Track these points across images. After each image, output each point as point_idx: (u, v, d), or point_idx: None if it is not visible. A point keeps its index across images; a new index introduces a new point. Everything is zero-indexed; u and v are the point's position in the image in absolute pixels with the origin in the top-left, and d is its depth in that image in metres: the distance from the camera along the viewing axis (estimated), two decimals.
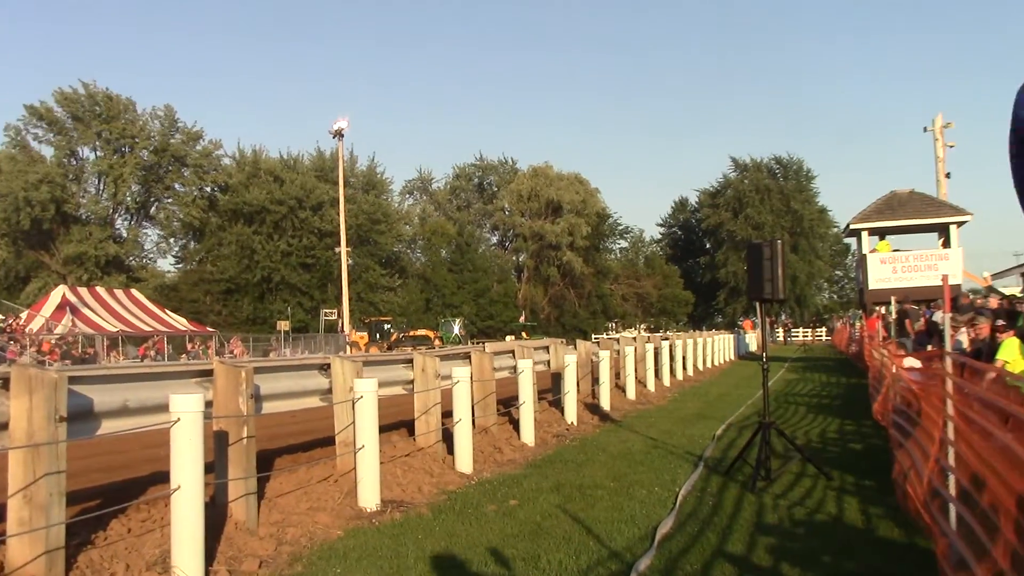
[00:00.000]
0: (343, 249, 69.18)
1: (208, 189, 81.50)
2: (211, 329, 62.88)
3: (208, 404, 8.32)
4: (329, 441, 11.36)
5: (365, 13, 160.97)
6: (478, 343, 57.34)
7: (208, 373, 8.62)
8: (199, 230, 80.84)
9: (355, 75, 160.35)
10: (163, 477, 7.64)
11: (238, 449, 8.25)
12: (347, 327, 67.24)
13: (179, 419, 7.03)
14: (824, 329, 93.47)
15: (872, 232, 36.25)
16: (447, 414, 12.46)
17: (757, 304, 12.51)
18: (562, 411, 17.55)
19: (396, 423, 14.22)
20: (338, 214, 71.63)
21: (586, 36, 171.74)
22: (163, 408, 7.52)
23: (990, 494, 5.69)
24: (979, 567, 5.55)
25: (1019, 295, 23.46)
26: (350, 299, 71.91)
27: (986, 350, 13.79)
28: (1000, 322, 13.89)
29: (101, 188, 76.65)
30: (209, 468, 7.71)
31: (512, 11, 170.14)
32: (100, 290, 57.80)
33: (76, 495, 8.53)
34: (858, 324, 47.23)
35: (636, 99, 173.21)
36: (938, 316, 20.11)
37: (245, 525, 8.26)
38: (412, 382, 12.40)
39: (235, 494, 8.29)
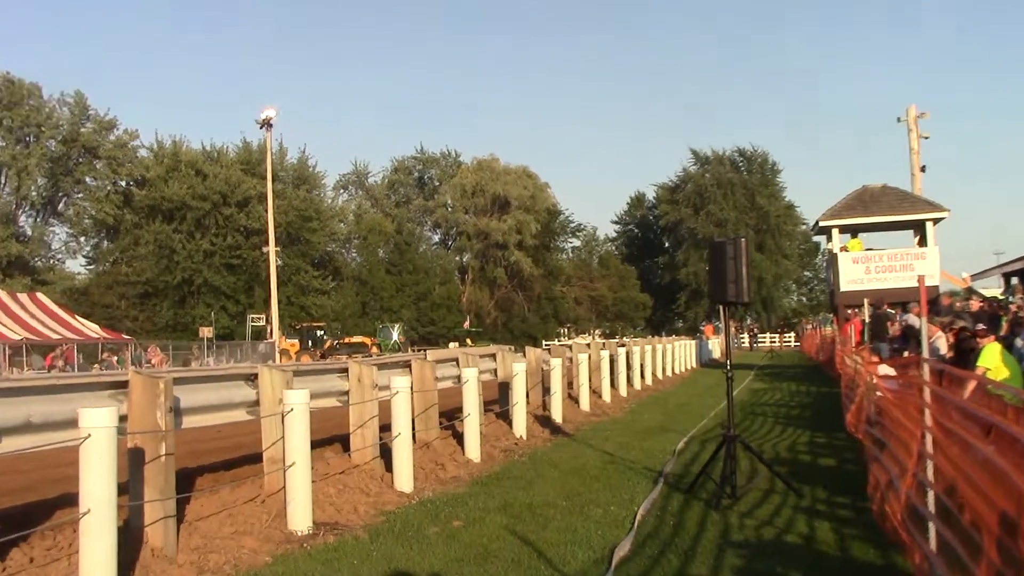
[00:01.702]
0: (271, 249, 68.56)
1: (123, 183, 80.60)
2: (126, 337, 62.15)
3: (122, 419, 8.20)
4: (256, 458, 11.25)
5: None
6: (419, 351, 57.23)
7: (123, 385, 8.50)
8: (113, 228, 79.93)
9: (284, 60, 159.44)
10: (72, 500, 7.51)
11: (155, 468, 8.14)
12: (276, 334, 66.72)
13: (90, 435, 6.92)
14: (793, 334, 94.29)
15: (843, 230, 36.57)
16: (385, 428, 12.40)
17: (720, 307, 12.57)
18: (510, 424, 17.54)
19: (329, 438, 14.14)
20: (266, 211, 71.02)
21: (533, 21, 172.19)
22: (72, 424, 7.40)
23: (971, 510, 5.73)
24: None
25: (1000, 297, 23.78)
26: (279, 303, 71.36)
27: (960, 356, 13.95)
28: (980, 326, 14.05)
29: (3, 181, 75.60)
30: (123, 489, 7.60)
31: None
32: (1, 294, 56.94)
33: None
34: (829, 329, 47.69)
35: (588, 88, 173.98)
36: (914, 320, 20.32)
37: (163, 551, 8.15)
38: (347, 393, 12.34)
39: (152, 517, 8.18)
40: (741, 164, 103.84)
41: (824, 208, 37.28)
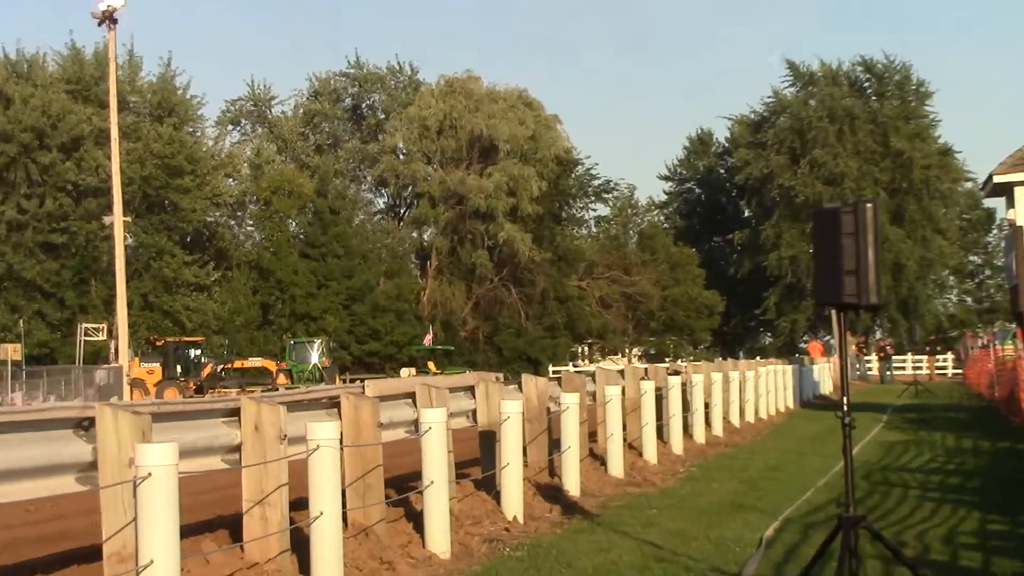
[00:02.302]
0: (118, 219, 68.48)
1: None
2: None
3: None
4: (93, 554, 11.25)
5: None
6: (353, 381, 56.95)
7: None
8: None
9: None
10: None
11: None
12: (125, 354, 66.76)
13: None
14: (950, 355, 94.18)
15: None
16: (299, 503, 12.39)
17: (832, 314, 12.63)
18: (497, 498, 17.52)
19: (211, 520, 14.13)
20: (109, 158, 71.05)
21: None
22: None
23: None
24: None
25: None
26: (131, 306, 71.40)
27: None
28: None
29: None
30: None
31: None
32: None
33: None
34: (1010, 347, 47.70)
35: None
36: None
37: None
38: (238, 449, 12.32)
39: None
40: (868, 84, 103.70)
41: (1004, 154, 37.28)
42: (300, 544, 12.33)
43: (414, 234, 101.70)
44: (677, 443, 27.88)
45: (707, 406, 32.28)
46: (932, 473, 23.99)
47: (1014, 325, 44.54)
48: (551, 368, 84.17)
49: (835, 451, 20.14)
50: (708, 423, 32.09)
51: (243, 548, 12.27)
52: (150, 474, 9.68)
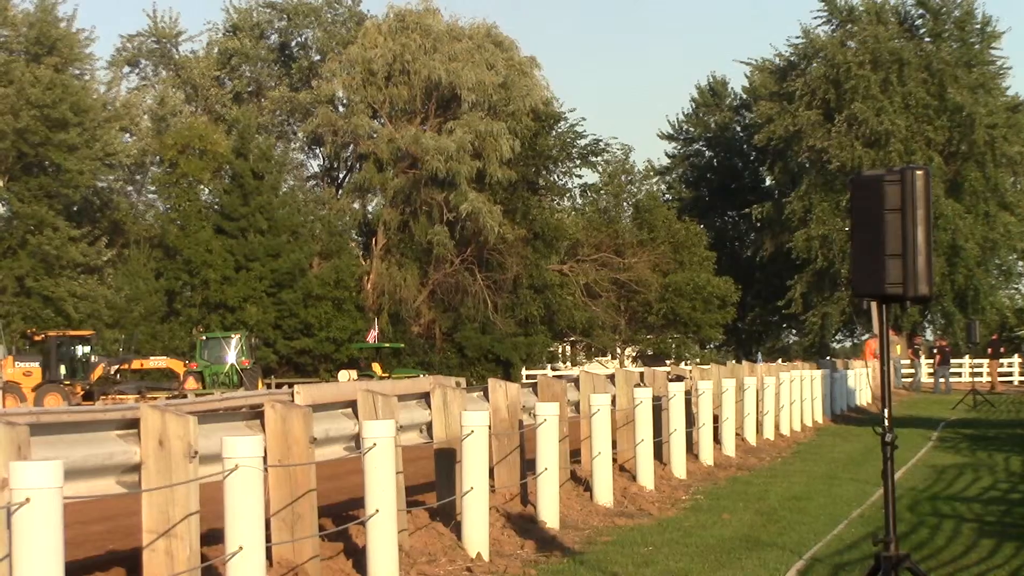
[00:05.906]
0: None
1: None
2: None
3: None
4: None
5: None
6: (281, 386, 56.90)
7: None
8: None
9: None
10: None
11: None
12: None
13: None
14: (1017, 359, 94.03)
15: None
16: (212, 536, 12.37)
17: (873, 307, 12.72)
18: (458, 530, 17.50)
19: (102, 556, 14.11)
20: None
21: None
22: None
23: None
24: None
25: None
26: (2, 292, 71.28)
27: None
28: None
29: None
30: None
31: None
32: None
33: None
34: None
35: None
36: None
37: None
38: (138, 469, 12.27)
39: None
40: (920, 22, 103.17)
41: None
42: None
43: (356, 204, 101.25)
44: (679, 465, 27.89)
45: (716, 420, 32.30)
46: (992, 503, 24.05)
47: None
48: (524, 372, 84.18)
49: (873, 476, 20.24)
50: (718, 440, 32.15)
51: None
52: (28, 499, 9.63)
